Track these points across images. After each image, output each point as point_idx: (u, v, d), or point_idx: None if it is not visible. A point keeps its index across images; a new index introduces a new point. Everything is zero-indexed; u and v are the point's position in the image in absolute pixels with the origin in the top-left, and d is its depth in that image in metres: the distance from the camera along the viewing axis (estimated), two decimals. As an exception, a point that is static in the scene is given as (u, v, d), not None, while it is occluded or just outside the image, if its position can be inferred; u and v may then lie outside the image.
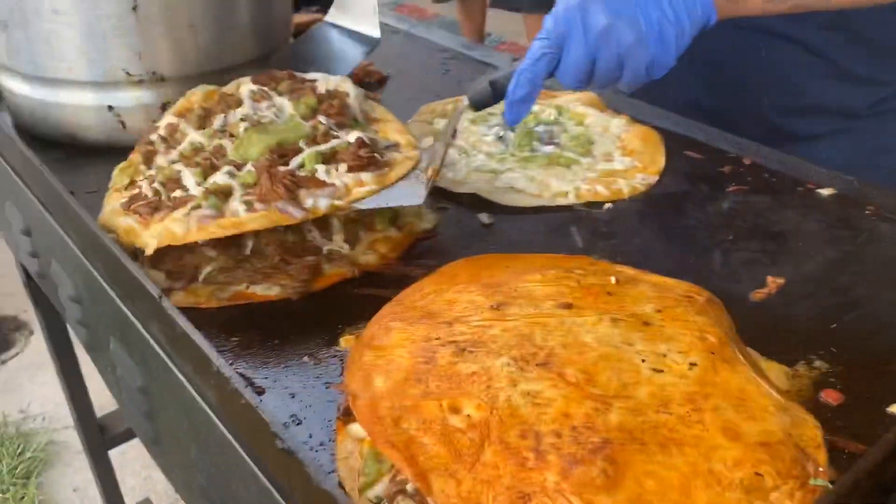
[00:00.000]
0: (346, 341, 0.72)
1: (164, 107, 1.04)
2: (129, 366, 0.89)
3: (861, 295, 0.78)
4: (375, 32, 1.19)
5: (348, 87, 0.95)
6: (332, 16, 1.24)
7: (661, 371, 0.59)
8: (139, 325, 0.80)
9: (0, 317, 2.80)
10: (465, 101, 0.91)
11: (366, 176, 0.79)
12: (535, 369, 0.58)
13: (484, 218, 0.91)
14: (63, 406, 2.41)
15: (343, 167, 0.79)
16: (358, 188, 0.78)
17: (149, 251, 0.74)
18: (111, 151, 1.06)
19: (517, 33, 4.61)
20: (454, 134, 0.96)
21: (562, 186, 0.97)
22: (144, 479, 2.18)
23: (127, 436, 1.69)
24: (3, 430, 2.31)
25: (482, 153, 1.05)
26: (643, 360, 0.60)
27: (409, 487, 0.55)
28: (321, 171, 0.78)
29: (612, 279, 0.71)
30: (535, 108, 1.08)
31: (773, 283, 0.79)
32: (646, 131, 1.08)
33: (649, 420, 0.55)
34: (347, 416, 0.62)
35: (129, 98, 1.03)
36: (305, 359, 0.71)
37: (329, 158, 0.81)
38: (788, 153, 1.01)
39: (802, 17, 0.88)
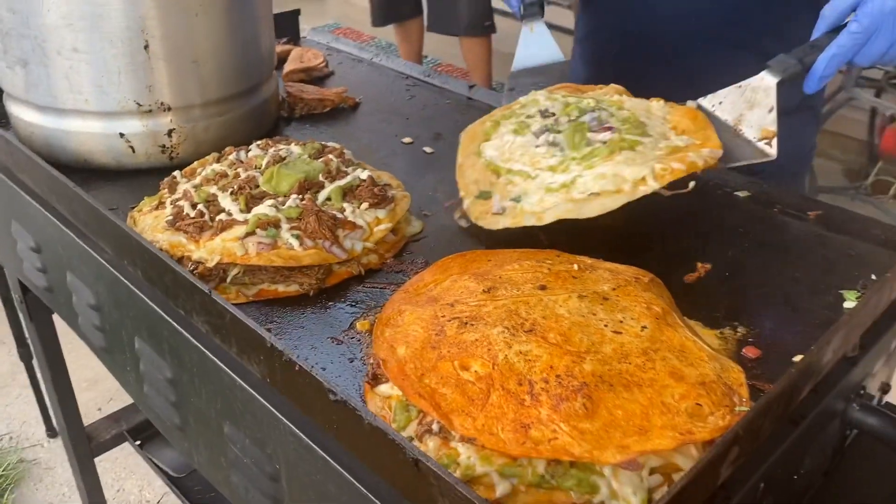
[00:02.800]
0: (361, 325, 0.87)
1: (170, 133, 1.17)
2: (156, 361, 1.02)
3: (771, 274, 0.97)
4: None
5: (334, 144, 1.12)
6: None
7: (620, 333, 0.76)
8: (173, 322, 0.93)
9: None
10: (768, 77, 1.02)
11: (381, 213, 0.98)
12: (524, 335, 0.74)
13: (462, 222, 1.07)
14: (30, 424, 2.46)
15: (365, 204, 0.97)
16: (377, 226, 0.97)
17: (211, 264, 0.89)
18: (120, 174, 1.19)
19: (453, 55, 4.80)
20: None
21: (636, 172, 0.93)
22: (118, 491, 2.24)
23: (112, 444, 1.77)
24: (-29, 450, 2.34)
25: (543, 170, 0.99)
26: (605, 325, 0.77)
27: (433, 427, 0.70)
28: (349, 211, 0.96)
29: (575, 266, 0.88)
30: (571, 98, 1.12)
31: (702, 267, 0.98)
32: (690, 111, 1.07)
33: (614, 368, 0.72)
34: (374, 380, 0.77)
35: (139, 126, 1.15)
36: (329, 341, 0.85)
37: (347, 193, 0.97)
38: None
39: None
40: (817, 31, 1.00)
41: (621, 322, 0.78)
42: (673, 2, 1.31)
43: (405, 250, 1.01)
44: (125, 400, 2.11)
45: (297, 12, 1.74)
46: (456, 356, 0.73)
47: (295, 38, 1.73)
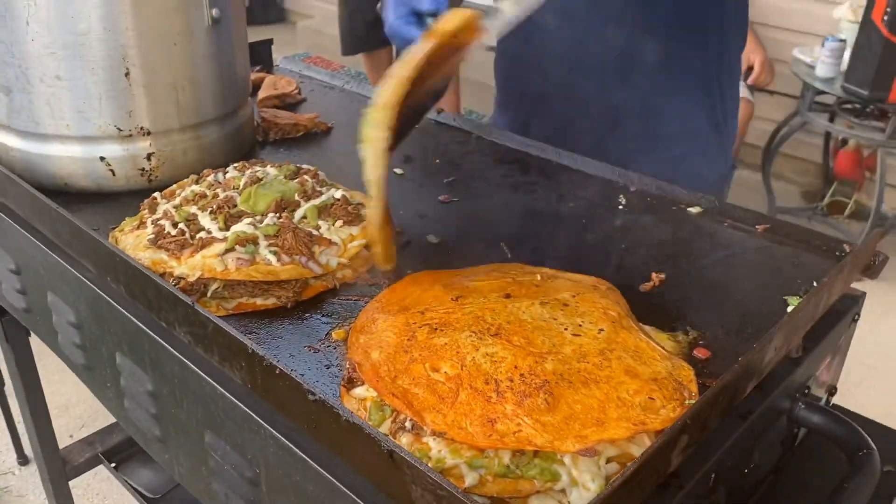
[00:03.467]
0: (336, 334, 0.92)
1: (149, 157, 1.22)
2: (137, 374, 1.05)
3: (721, 283, 1.04)
4: None
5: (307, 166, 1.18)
6: None
7: (579, 335, 0.82)
8: (154, 335, 0.97)
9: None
10: None
11: (354, 230, 1.03)
12: (490, 338, 0.80)
13: (432, 238, 1.12)
14: (0, 453, 2.44)
15: (339, 222, 1.02)
16: (351, 242, 1.02)
17: (192, 279, 0.93)
18: (100, 196, 1.23)
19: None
20: None
21: None
22: (90, 517, 2.24)
23: (86, 466, 1.78)
24: (-61, 480, 2.32)
25: None
26: (565, 329, 0.83)
27: (406, 425, 0.75)
28: (324, 228, 1.01)
29: (538, 276, 0.94)
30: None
31: (657, 277, 1.04)
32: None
33: (574, 367, 0.77)
34: (350, 384, 0.82)
35: (119, 150, 1.19)
36: (306, 349, 0.90)
37: (322, 212, 1.02)
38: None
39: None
40: None
41: (580, 325, 0.83)
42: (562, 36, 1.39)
43: (377, 265, 1.07)
44: (96, 426, 2.12)
45: (269, 41, 1.80)
46: (427, 359, 0.78)
47: (268, 67, 1.79)
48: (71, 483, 1.84)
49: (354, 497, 0.74)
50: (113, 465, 1.83)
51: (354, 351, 0.82)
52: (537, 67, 1.49)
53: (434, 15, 1.07)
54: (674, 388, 0.78)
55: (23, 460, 2.38)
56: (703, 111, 1.45)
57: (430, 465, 0.71)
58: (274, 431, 0.82)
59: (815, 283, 1.03)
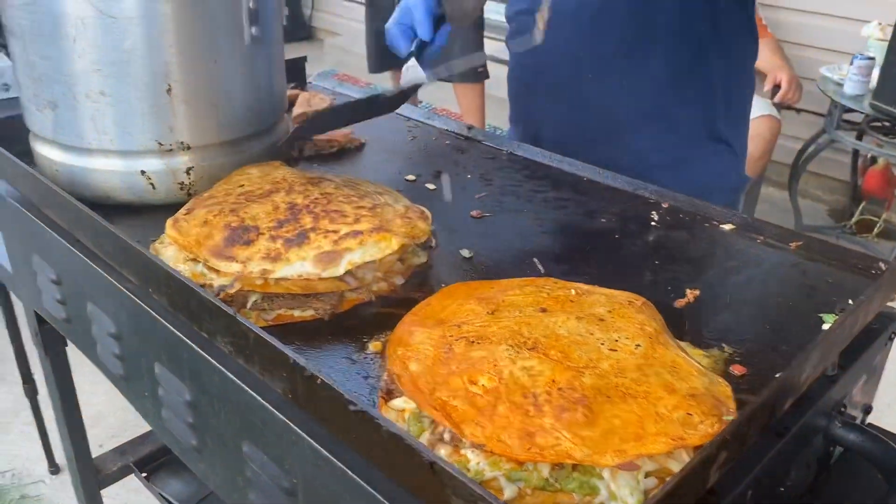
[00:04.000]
0: (374, 346, 0.93)
1: (189, 171, 1.24)
2: (175, 385, 1.07)
3: (756, 299, 1.04)
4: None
5: None
6: None
7: (616, 350, 0.82)
8: (195, 345, 0.99)
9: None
10: None
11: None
12: (527, 352, 0.80)
13: (465, 252, 1.14)
14: (31, 461, 2.49)
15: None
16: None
17: (232, 291, 0.97)
18: (140, 210, 1.25)
19: (446, 100, 4.94)
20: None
21: None
22: (119, 527, 2.26)
23: (118, 475, 1.80)
24: (-27, 488, 2.36)
25: None
26: (602, 344, 0.83)
27: (445, 436, 0.76)
28: None
29: (573, 291, 0.94)
30: None
31: (691, 293, 1.04)
32: None
33: (611, 382, 0.78)
34: (389, 395, 0.83)
35: (159, 164, 1.22)
36: (344, 360, 0.91)
37: None
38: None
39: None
40: None
41: (617, 341, 0.84)
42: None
43: (412, 279, 1.08)
44: (127, 436, 2.14)
45: (303, 59, 1.83)
46: (465, 371, 0.79)
47: (302, 83, 1.82)
48: (102, 492, 1.87)
49: (393, 508, 0.75)
50: (144, 474, 1.85)
51: (393, 362, 0.83)
52: (542, 79, 1.54)
53: (422, 46, 1.20)
54: (712, 404, 0.78)
55: (54, 469, 2.41)
56: (704, 122, 1.48)
57: (471, 475, 0.72)
58: (313, 442, 0.83)
59: (850, 301, 1.03)
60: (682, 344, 0.93)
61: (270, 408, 0.88)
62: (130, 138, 1.19)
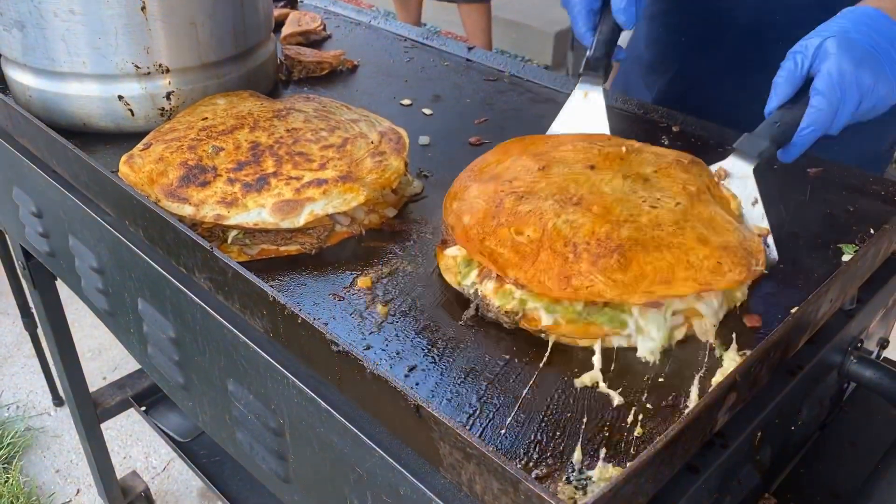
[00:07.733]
0: (362, 282, 0.88)
1: (169, 96, 1.17)
2: (159, 321, 1.02)
3: (772, 229, 0.98)
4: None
5: None
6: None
7: (656, 207, 0.83)
8: (175, 281, 0.94)
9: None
10: (740, 162, 0.93)
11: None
12: (571, 207, 0.82)
13: (462, 182, 1.07)
14: (35, 394, 2.49)
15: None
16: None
17: (207, 220, 0.90)
18: (119, 137, 1.18)
19: (451, 23, 4.77)
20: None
21: None
22: (124, 458, 2.27)
23: (117, 409, 1.79)
24: (-22, 419, 2.37)
25: None
26: (644, 201, 0.84)
27: (492, 273, 0.82)
28: None
29: (624, 149, 0.94)
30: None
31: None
32: None
33: (648, 234, 0.79)
34: (444, 244, 0.90)
35: (137, 88, 1.15)
36: (330, 297, 0.86)
37: None
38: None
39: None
40: (773, 102, 0.91)
41: (658, 199, 0.86)
42: None
43: (405, 210, 1.02)
44: (129, 369, 2.13)
45: (294, -24, 1.72)
46: (512, 223, 0.82)
47: (292, 2, 1.72)
48: (104, 424, 1.86)
49: (381, 451, 0.70)
50: (143, 408, 1.83)
51: (448, 214, 0.89)
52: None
53: None
54: (742, 255, 0.80)
55: (58, 401, 2.42)
56: None
57: (514, 303, 0.80)
58: (297, 381, 0.79)
59: (871, 231, 0.96)
60: (727, 192, 0.92)
61: (254, 346, 0.84)
62: (105, 60, 1.12)
